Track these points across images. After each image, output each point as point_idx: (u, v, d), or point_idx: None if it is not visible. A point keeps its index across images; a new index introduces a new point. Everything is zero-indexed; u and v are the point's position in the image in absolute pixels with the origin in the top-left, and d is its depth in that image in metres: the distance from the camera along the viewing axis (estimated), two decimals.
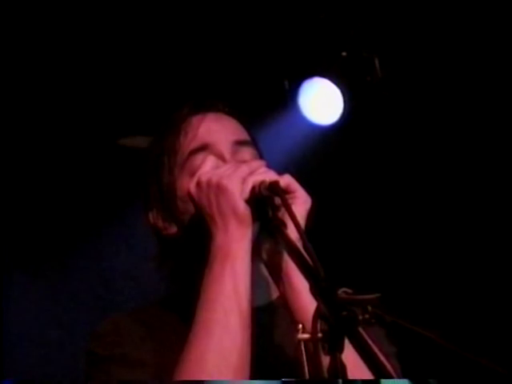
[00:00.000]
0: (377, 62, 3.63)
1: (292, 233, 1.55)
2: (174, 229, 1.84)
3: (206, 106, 1.93)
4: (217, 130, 1.87)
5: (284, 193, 1.63)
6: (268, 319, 1.78)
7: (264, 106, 3.67)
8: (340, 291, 1.33)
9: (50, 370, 3.71)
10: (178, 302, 1.85)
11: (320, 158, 3.88)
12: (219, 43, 3.55)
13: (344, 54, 3.63)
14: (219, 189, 1.67)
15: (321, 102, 3.72)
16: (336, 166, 4.01)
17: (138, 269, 3.51)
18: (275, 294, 1.81)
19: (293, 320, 1.63)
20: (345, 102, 3.67)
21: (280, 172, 1.76)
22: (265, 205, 1.64)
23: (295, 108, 3.73)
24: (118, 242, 3.86)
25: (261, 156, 1.92)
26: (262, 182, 1.65)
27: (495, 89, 3.68)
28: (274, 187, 1.63)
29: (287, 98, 3.73)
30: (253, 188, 1.66)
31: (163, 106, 3.41)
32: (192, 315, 1.67)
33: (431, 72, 3.69)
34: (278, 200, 1.63)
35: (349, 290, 1.34)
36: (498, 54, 3.58)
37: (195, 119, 1.89)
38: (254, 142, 1.93)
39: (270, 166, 1.80)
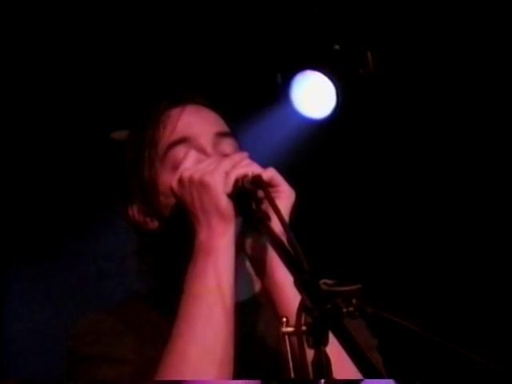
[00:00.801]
0: (369, 55, 3.62)
1: (276, 226, 1.54)
2: (155, 224, 1.84)
3: (184, 98, 1.92)
4: (197, 122, 1.87)
5: (267, 186, 1.62)
6: (251, 313, 1.78)
7: (256, 99, 3.67)
8: (321, 282, 1.33)
9: (47, 366, 3.61)
10: (160, 298, 1.84)
11: (312, 151, 3.88)
12: (211, 37, 3.54)
13: (336, 47, 3.62)
14: (202, 185, 1.67)
15: (313, 95, 3.72)
16: (328, 160, 4.01)
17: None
18: (258, 288, 1.81)
19: (276, 314, 1.64)
20: (337, 95, 3.66)
21: (271, 165, 1.76)
22: (248, 198, 1.64)
23: (287, 101, 3.72)
24: (113, 236, 3.86)
25: (241, 148, 1.91)
26: (244, 176, 1.65)
27: (490, 82, 3.66)
28: (257, 181, 1.62)
29: (279, 91, 3.72)
30: (236, 182, 1.66)
31: (154, 99, 3.43)
32: (174, 311, 1.67)
33: (424, 65, 3.68)
34: (261, 193, 1.62)
35: (329, 281, 1.35)
36: (493, 46, 3.55)
37: (174, 111, 1.88)
38: (233, 134, 1.92)
39: (254, 158, 1.79)
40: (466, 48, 3.59)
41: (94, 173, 3.83)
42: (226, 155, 1.80)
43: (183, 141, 1.83)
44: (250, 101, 3.59)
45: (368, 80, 3.64)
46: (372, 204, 4.07)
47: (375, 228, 4.07)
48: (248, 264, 1.78)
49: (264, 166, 1.74)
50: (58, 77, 3.54)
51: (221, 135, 1.86)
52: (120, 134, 3.72)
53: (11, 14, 3.26)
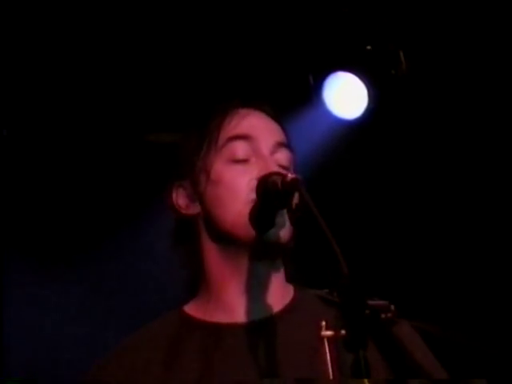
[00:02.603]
0: (402, 55, 3.61)
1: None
2: (196, 209, 1.89)
3: (252, 103, 1.97)
4: (261, 126, 1.92)
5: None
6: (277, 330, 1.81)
7: (289, 100, 3.65)
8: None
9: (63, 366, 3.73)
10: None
11: (345, 152, 3.90)
12: (245, 39, 3.56)
13: (369, 47, 3.62)
14: None
15: (345, 96, 3.73)
16: (360, 160, 4.01)
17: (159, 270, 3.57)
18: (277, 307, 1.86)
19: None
20: (369, 95, 3.67)
21: (304, 166, 1.85)
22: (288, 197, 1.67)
23: (320, 102, 3.73)
24: (141, 239, 3.89)
25: (295, 159, 1.96)
26: (284, 177, 1.71)
27: None
28: (295, 183, 1.67)
29: (312, 92, 3.74)
30: (275, 183, 1.71)
31: (189, 103, 3.46)
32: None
33: (457, 65, 3.68)
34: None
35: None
36: None
37: (242, 111, 1.93)
38: (291, 147, 1.96)
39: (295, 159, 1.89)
40: (498, 46, 3.58)
41: (127, 176, 3.88)
42: (280, 166, 1.85)
43: (244, 137, 1.88)
44: (284, 102, 3.55)
45: (400, 80, 3.64)
46: (401, 205, 4.07)
47: (401, 224, 4.07)
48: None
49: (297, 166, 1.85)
50: (101, 80, 3.59)
51: (280, 145, 1.90)
52: (156, 137, 3.77)
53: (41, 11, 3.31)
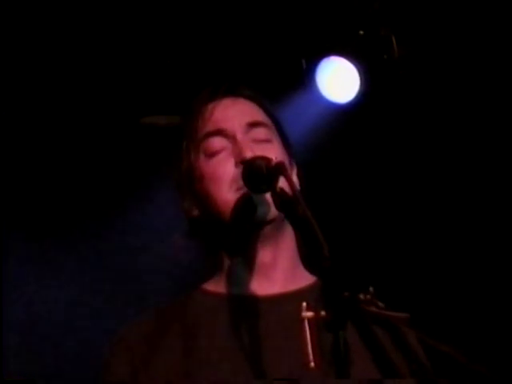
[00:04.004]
0: (394, 40, 3.61)
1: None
2: (196, 211, 1.96)
3: (222, 91, 2.01)
4: (231, 114, 1.97)
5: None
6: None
7: (282, 84, 3.68)
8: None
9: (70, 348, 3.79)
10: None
11: (337, 135, 3.91)
12: (239, 25, 3.58)
13: (361, 32, 3.62)
14: None
15: (338, 80, 3.72)
16: (352, 143, 4.03)
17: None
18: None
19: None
20: (361, 80, 3.66)
21: (299, 148, 1.92)
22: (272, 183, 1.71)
23: (313, 86, 3.73)
24: (143, 217, 3.91)
25: (281, 133, 2.01)
26: (269, 161, 1.75)
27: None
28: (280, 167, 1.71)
29: (305, 76, 3.73)
30: (260, 167, 1.75)
31: (183, 86, 3.49)
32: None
33: (449, 51, 3.67)
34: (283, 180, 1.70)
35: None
36: None
37: (211, 105, 1.98)
38: (272, 121, 2.00)
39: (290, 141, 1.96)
40: (493, 34, 3.58)
41: (125, 157, 3.92)
42: (256, 141, 1.91)
43: (218, 132, 1.94)
44: (277, 86, 3.58)
45: (392, 65, 3.64)
46: (393, 189, 4.09)
47: (393, 208, 4.09)
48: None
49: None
50: (98, 65, 3.63)
51: (252, 125, 1.95)
52: (151, 120, 3.81)
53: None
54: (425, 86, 3.79)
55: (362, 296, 1.37)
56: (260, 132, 1.95)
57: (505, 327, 3.77)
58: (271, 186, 1.69)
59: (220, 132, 1.94)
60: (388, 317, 1.39)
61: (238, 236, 1.93)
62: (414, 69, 3.70)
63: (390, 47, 3.62)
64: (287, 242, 1.93)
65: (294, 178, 1.96)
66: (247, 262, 1.91)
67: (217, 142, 1.93)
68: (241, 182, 1.83)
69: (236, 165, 1.88)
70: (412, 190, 4.06)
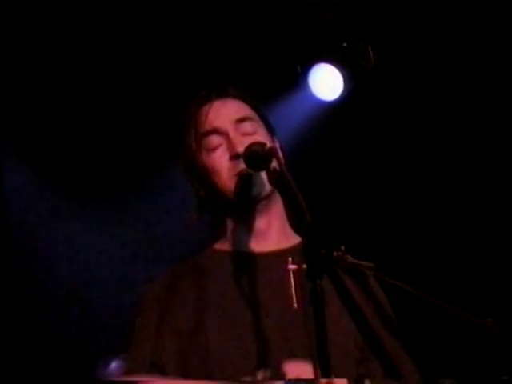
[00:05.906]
0: (371, 50, 3.98)
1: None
2: (202, 192, 2.17)
3: (214, 94, 2.18)
4: (221, 113, 2.13)
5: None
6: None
7: (281, 85, 4.05)
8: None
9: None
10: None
11: (325, 125, 4.21)
12: (244, 38, 3.89)
13: (344, 44, 4.00)
14: None
15: (326, 82, 4.11)
16: (338, 132, 4.32)
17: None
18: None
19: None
20: (345, 82, 4.06)
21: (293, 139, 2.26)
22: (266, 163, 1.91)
23: (306, 87, 4.12)
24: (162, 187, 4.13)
25: (268, 125, 2.18)
26: (262, 145, 1.95)
27: (486, 75, 3.91)
28: (271, 151, 1.92)
29: (299, 79, 4.10)
30: (256, 151, 1.94)
31: (186, 86, 3.46)
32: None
33: (416, 58, 4.00)
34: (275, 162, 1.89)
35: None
36: (490, 42, 3.81)
37: (206, 107, 2.16)
38: (259, 116, 2.17)
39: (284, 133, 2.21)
40: (463, 41, 3.87)
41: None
42: (246, 134, 2.08)
43: (213, 131, 2.12)
44: (276, 88, 3.97)
45: (369, 71, 3.99)
46: (381, 178, 4.32)
47: (380, 195, 4.33)
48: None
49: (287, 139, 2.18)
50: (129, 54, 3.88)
51: (241, 120, 2.12)
52: None
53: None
54: (396, 87, 4.13)
55: (335, 252, 1.56)
56: (247, 126, 2.11)
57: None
58: (266, 165, 1.87)
59: (215, 130, 2.11)
60: (355, 265, 1.57)
61: (239, 209, 2.12)
62: (387, 74, 4.05)
63: (368, 56, 3.98)
64: (278, 210, 2.12)
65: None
66: (247, 227, 2.11)
67: (214, 140, 2.10)
68: (236, 171, 2.03)
69: (230, 158, 2.06)
70: (398, 177, 4.29)
